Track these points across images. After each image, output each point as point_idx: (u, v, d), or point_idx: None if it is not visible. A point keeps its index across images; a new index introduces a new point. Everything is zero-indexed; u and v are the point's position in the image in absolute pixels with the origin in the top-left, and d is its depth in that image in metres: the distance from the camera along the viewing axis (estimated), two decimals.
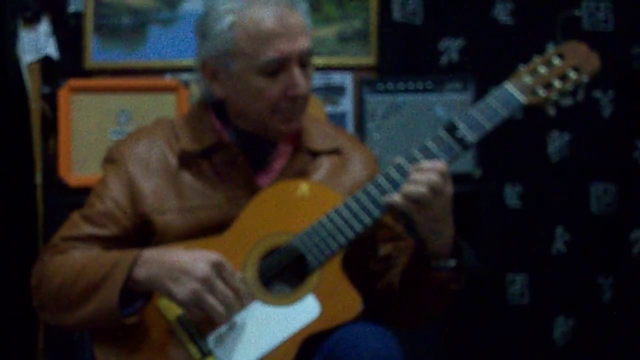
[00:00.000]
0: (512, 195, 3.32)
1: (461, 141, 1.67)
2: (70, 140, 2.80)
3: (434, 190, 1.60)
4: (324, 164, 1.83)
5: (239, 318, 1.65)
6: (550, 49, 1.73)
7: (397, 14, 3.27)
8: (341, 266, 1.67)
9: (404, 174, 1.65)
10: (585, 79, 1.70)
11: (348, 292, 1.66)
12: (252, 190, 1.76)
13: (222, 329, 1.65)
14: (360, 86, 3.10)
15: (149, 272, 1.63)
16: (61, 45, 3.06)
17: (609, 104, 3.33)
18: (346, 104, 3.29)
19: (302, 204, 1.72)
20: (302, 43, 1.73)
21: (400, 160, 1.67)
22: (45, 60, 3.01)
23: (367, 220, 1.67)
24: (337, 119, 3.26)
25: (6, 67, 2.93)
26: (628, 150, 3.34)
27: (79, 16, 3.18)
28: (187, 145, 1.79)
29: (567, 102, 1.71)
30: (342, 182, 1.81)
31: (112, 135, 2.81)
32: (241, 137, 1.80)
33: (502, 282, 3.32)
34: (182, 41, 3.19)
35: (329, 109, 3.25)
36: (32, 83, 2.97)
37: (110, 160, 1.83)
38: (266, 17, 1.71)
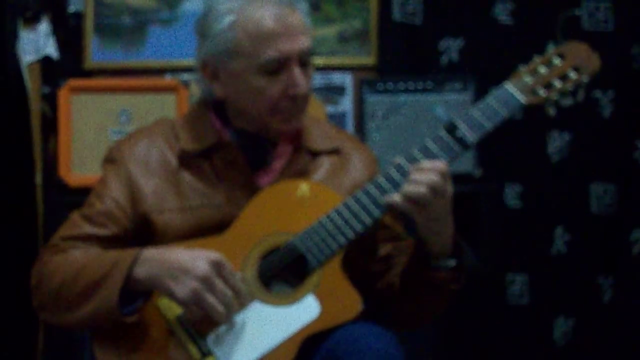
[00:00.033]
0: (512, 195, 3.33)
1: (461, 141, 1.67)
2: (70, 140, 2.80)
3: (434, 190, 1.60)
4: (324, 164, 1.83)
5: (238, 318, 1.65)
6: (551, 49, 1.73)
7: (397, 14, 3.27)
8: (341, 266, 1.67)
9: (404, 174, 1.65)
10: (585, 79, 1.70)
11: (348, 292, 1.66)
12: (252, 190, 1.76)
13: (222, 328, 1.65)
14: (360, 86, 3.10)
15: (148, 271, 1.63)
16: (61, 45, 3.06)
17: (609, 104, 3.33)
18: (346, 104, 3.29)
19: (302, 203, 1.72)
20: (303, 42, 1.73)
21: (400, 160, 1.67)
22: (45, 60, 3.01)
23: (367, 220, 1.67)
24: (337, 119, 3.26)
25: (6, 67, 2.93)
26: (628, 150, 3.34)
27: (79, 16, 3.19)
28: (187, 145, 1.79)
29: (568, 102, 1.71)
30: (342, 182, 1.81)
31: (112, 135, 2.81)
32: (241, 137, 1.80)
33: (502, 282, 3.32)
34: (182, 41, 3.19)
35: (329, 109, 3.25)
36: (32, 83, 2.97)
37: (111, 160, 1.83)
38: (266, 16, 1.71)
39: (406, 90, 3.03)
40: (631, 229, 3.34)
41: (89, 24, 3.21)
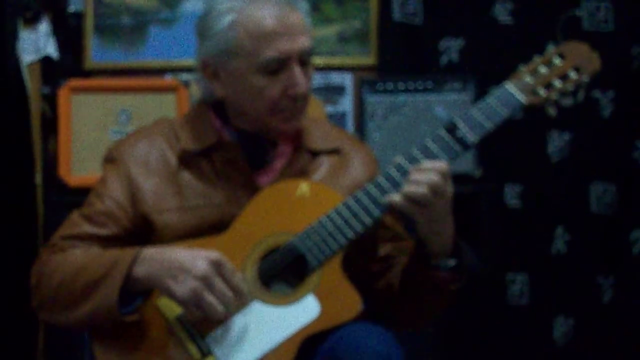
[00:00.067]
0: (512, 195, 3.33)
1: (461, 141, 1.67)
2: (70, 140, 2.80)
3: (435, 190, 1.60)
4: (324, 164, 1.83)
5: (238, 318, 1.65)
6: (551, 48, 1.73)
7: (397, 14, 3.27)
8: (341, 266, 1.67)
9: (405, 173, 1.65)
10: (585, 79, 1.70)
11: (348, 292, 1.66)
12: (252, 189, 1.76)
13: (222, 328, 1.65)
14: (360, 86, 3.10)
15: (148, 270, 1.63)
16: (61, 45, 3.06)
17: (609, 104, 3.33)
18: (346, 104, 3.30)
19: (302, 203, 1.72)
20: (303, 42, 1.73)
21: (400, 160, 1.67)
22: (45, 60, 3.01)
23: (368, 220, 1.67)
24: (337, 119, 3.26)
25: (6, 67, 2.93)
26: (628, 150, 3.34)
27: (79, 16, 3.19)
28: (187, 144, 1.79)
29: (568, 102, 1.71)
30: (342, 182, 1.81)
31: (112, 135, 2.81)
32: (241, 136, 1.80)
33: (502, 282, 3.32)
34: (182, 41, 3.19)
35: (329, 109, 3.25)
36: (32, 83, 2.97)
37: (110, 159, 1.83)
38: (267, 16, 1.71)
39: (406, 90, 3.03)
40: (631, 229, 3.34)
41: (89, 24, 3.21)
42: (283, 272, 1.70)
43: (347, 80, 3.30)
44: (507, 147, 3.17)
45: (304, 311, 1.64)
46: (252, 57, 1.72)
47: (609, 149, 3.32)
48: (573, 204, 3.33)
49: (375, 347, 1.57)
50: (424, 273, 1.69)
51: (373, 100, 3.04)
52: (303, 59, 1.74)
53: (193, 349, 1.64)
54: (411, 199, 1.61)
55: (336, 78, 3.29)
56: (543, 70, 1.71)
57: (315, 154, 1.83)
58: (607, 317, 3.32)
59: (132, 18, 3.23)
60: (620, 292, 3.33)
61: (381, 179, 1.67)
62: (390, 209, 1.66)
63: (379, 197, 1.66)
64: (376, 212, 1.67)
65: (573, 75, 1.71)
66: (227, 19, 1.73)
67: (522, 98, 1.69)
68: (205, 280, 1.59)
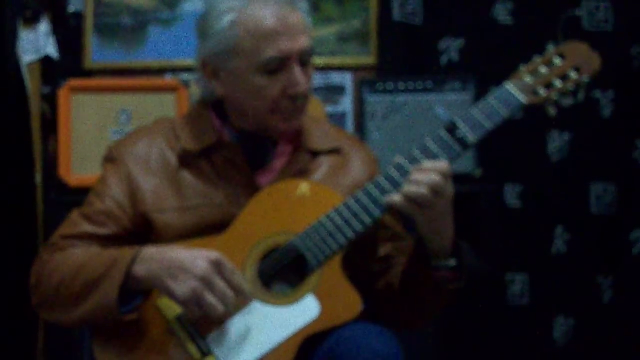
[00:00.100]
0: (512, 195, 3.33)
1: (461, 141, 1.67)
2: (70, 140, 2.80)
3: (435, 190, 1.60)
4: (324, 164, 1.83)
5: (239, 318, 1.65)
6: (551, 48, 1.73)
7: (397, 14, 3.27)
8: (341, 266, 1.67)
9: (405, 174, 1.65)
10: (586, 79, 1.70)
11: (348, 292, 1.66)
12: (252, 189, 1.76)
13: (222, 328, 1.65)
14: (360, 86, 3.10)
15: (148, 269, 1.63)
16: (61, 45, 3.06)
17: (609, 104, 3.33)
18: (346, 104, 3.30)
19: (302, 203, 1.72)
20: (303, 42, 1.73)
21: (400, 160, 1.67)
22: (45, 60, 3.01)
23: (368, 220, 1.67)
24: (337, 119, 3.26)
25: (6, 67, 2.93)
26: (628, 150, 3.34)
27: (79, 16, 3.19)
28: (187, 144, 1.79)
29: (568, 102, 1.71)
30: (342, 182, 1.81)
31: (112, 135, 2.81)
32: (241, 136, 1.80)
33: (502, 282, 3.32)
34: (182, 41, 3.19)
35: (329, 109, 3.25)
36: (32, 83, 2.97)
37: (110, 159, 1.83)
38: (267, 15, 1.71)
39: (406, 90, 3.03)
40: (631, 229, 3.34)
41: (89, 24, 3.21)
42: (283, 272, 1.70)
43: (347, 80, 3.30)
44: (507, 147, 3.17)
45: (304, 311, 1.64)
46: (252, 57, 1.72)
47: (609, 149, 3.32)
48: (573, 204, 3.33)
49: (375, 347, 1.57)
50: (424, 273, 1.69)
51: (373, 100, 3.04)
52: (303, 59, 1.74)
53: (193, 349, 1.64)
54: (411, 199, 1.61)
55: (336, 78, 3.29)
56: (543, 70, 1.71)
57: (315, 154, 1.83)
58: (607, 317, 3.32)
59: (132, 18, 3.23)
60: (620, 292, 3.33)
61: (381, 179, 1.67)
62: (391, 209, 1.66)
63: (379, 197, 1.66)
64: (376, 212, 1.67)
65: (573, 75, 1.71)
66: (228, 19, 1.73)
67: (522, 98, 1.69)
68: (205, 280, 1.59)
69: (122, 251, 1.67)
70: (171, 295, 1.62)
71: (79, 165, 2.80)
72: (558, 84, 1.70)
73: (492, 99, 1.69)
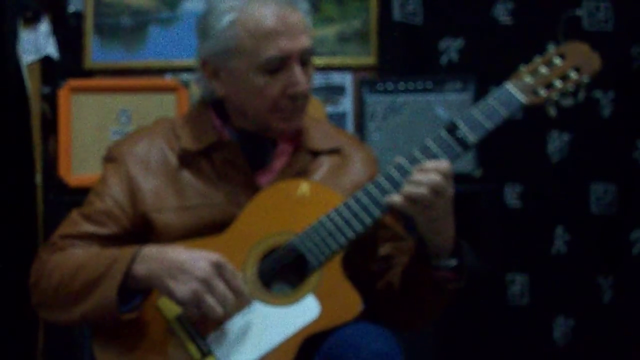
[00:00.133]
0: (512, 195, 3.33)
1: (462, 141, 1.67)
2: (70, 140, 2.80)
3: (436, 190, 1.60)
4: (324, 164, 1.83)
5: (239, 318, 1.65)
6: (551, 49, 1.73)
7: (397, 14, 3.27)
8: (341, 266, 1.67)
9: (405, 173, 1.65)
10: (586, 79, 1.70)
11: (348, 292, 1.66)
12: (252, 189, 1.75)
13: (222, 328, 1.65)
14: (360, 86, 3.10)
15: (148, 269, 1.63)
16: (61, 45, 3.06)
17: (609, 104, 3.33)
18: (346, 104, 3.30)
19: (302, 203, 1.72)
20: (303, 41, 1.73)
21: (400, 160, 1.67)
22: (45, 60, 3.01)
23: (368, 220, 1.67)
24: (337, 119, 3.26)
25: (6, 67, 2.93)
26: (628, 150, 3.34)
27: (79, 16, 3.19)
28: (187, 144, 1.79)
29: (568, 102, 1.71)
30: (342, 182, 1.81)
31: (112, 135, 2.81)
32: (241, 136, 1.80)
33: (502, 282, 3.32)
34: (182, 41, 3.19)
35: (329, 109, 3.25)
36: (32, 83, 2.97)
37: (110, 159, 1.83)
38: (267, 15, 1.71)
39: (406, 90, 3.03)
40: (631, 229, 3.34)
41: (89, 24, 3.21)
42: (283, 272, 1.70)
43: (347, 80, 3.30)
44: (507, 147, 3.17)
45: (304, 311, 1.64)
46: (253, 56, 1.72)
47: (609, 149, 3.32)
48: (573, 204, 3.33)
49: (375, 347, 1.57)
50: (425, 273, 1.69)
51: (373, 100, 3.04)
52: (303, 59, 1.74)
53: (193, 349, 1.64)
54: (412, 199, 1.61)
55: (336, 78, 3.29)
56: (543, 70, 1.71)
57: (315, 154, 1.83)
58: (607, 317, 3.32)
59: (132, 18, 3.23)
60: (620, 292, 3.33)
61: (381, 179, 1.67)
62: (391, 209, 1.66)
63: (379, 197, 1.66)
64: (376, 212, 1.67)
65: (573, 75, 1.71)
66: (228, 18, 1.73)
67: (522, 98, 1.69)
68: (206, 282, 1.59)
69: (122, 250, 1.67)
70: (171, 295, 1.62)
71: (79, 165, 2.80)
72: (558, 84, 1.70)
73: (492, 99, 1.69)
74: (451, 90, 3.02)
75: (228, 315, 1.63)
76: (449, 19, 3.28)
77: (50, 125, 2.97)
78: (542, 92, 1.70)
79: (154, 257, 1.64)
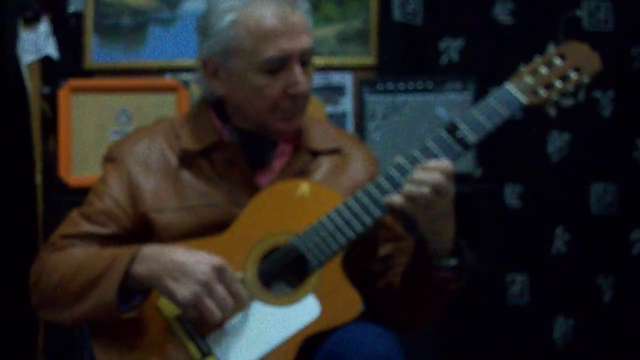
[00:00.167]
0: (512, 195, 3.33)
1: (462, 141, 1.67)
2: (70, 140, 2.80)
3: (437, 190, 1.60)
4: (325, 164, 1.83)
5: (239, 318, 1.65)
6: (551, 49, 1.73)
7: (397, 14, 3.27)
8: (341, 266, 1.67)
9: (405, 173, 1.65)
10: (586, 79, 1.70)
11: (348, 292, 1.66)
12: (252, 189, 1.75)
13: (222, 328, 1.65)
14: (360, 86, 3.10)
15: (148, 269, 1.63)
16: (61, 45, 3.06)
17: (609, 104, 3.33)
18: (346, 104, 3.30)
19: (302, 203, 1.72)
20: (304, 41, 1.73)
21: (400, 160, 1.67)
22: (45, 60, 3.01)
23: (368, 220, 1.67)
24: (337, 119, 3.26)
25: (6, 67, 2.93)
26: (628, 150, 3.34)
27: (79, 16, 3.19)
28: (187, 144, 1.79)
29: (568, 102, 1.71)
30: (342, 182, 1.81)
31: (112, 135, 2.81)
32: (241, 136, 1.80)
33: (502, 282, 3.32)
34: (182, 41, 3.19)
35: (329, 109, 3.25)
36: (32, 83, 2.97)
37: (110, 159, 1.83)
38: (268, 15, 1.71)
39: (406, 90, 3.03)
40: (631, 229, 3.34)
41: (89, 24, 3.21)
42: (283, 272, 1.70)
43: (347, 80, 3.30)
44: (507, 147, 3.17)
45: (304, 311, 1.64)
46: (253, 56, 1.72)
47: (609, 149, 3.32)
48: (573, 204, 3.33)
49: (375, 347, 1.57)
50: (425, 273, 1.69)
51: (373, 100, 3.04)
52: (304, 59, 1.74)
53: (193, 349, 1.64)
54: (413, 199, 1.61)
55: (336, 78, 3.29)
56: (543, 70, 1.71)
57: (315, 154, 1.83)
58: (607, 317, 3.32)
59: (132, 18, 3.23)
60: (620, 292, 3.33)
61: (381, 179, 1.67)
62: (392, 209, 1.66)
63: (379, 197, 1.66)
64: (376, 212, 1.67)
65: (573, 75, 1.71)
66: (228, 18, 1.72)
67: (522, 98, 1.69)
68: (207, 286, 1.59)
69: (122, 250, 1.67)
70: (170, 296, 1.62)
71: (79, 165, 2.80)
72: (558, 84, 1.70)
73: (492, 99, 1.69)
74: (451, 90, 3.02)
75: (226, 318, 1.63)
76: (449, 19, 3.28)
77: (50, 125, 2.97)
78: (542, 92, 1.70)
79: (154, 257, 1.64)
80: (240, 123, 1.80)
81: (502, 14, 3.30)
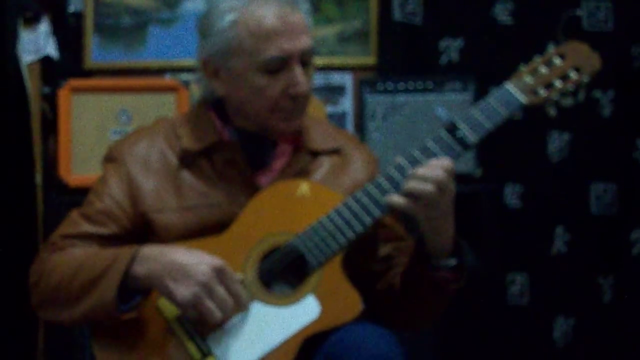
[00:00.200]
0: (512, 195, 3.32)
1: (462, 141, 1.67)
2: (70, 140, 2.80)
3: (440, 187, 1.60)
4: (325, 164, 1.83)
5: (239, 318, 1.65)
6: (551, 48, 1.73)
7: (397, 14, 3.27)
8: (341, 266, 1.67)
9: (405, 174, 1.65)
10: (586, 79, 1.70)
11: (348, 292, 1.66)
12: (252, 189, 1.75)
13: (222, 329, 1.65)
14: (360, 86, 3.10)
15: (148, 269, 1.63)
16: (61, 45, 3.06)
17: (609, 104, 3.33)
18: (346, 104, 3.30)
19: (302, 203, 1.72)
20: (304, 42, 1.73)
21: (400, 160, 1.67)
22: (45, 60, 3.01)
23: (368, 220, 1.67)
24: (337, 119, 3.26)
25: (6, 67, 2.93)
26: (628, 150, 3.34)
27: (79, 16, 3.19)
28: (187, 144, 1.79)
29: (568, 102, 1.71)
30: (342, 182, 1.81)
31: (112, 135, 2.81)
32: (242, 136, 1.80)
33: (502, 282, 3.32)
34: (182, 41, 3.19)
35: (329, 109, 3.25)
36: (32, 83, 2.97)
37: (110, 159, 1.83)
38: (268, 15, 1.71)
39: (406, 90, 3.03)
40: (631, 229, 3.34)
41: (89, 24, 3.21)
42: (283, 273, 1.70)
43: (347, 80, 3.30)
44: (507, 147, 3.17)
45: (304, 312, 1.64)
46: (253, 56, 1.72)
47: (609, 149, 3.32)
48: (573, 204, 3.33)
49: (375, 347, 1.57)
50: (425, 272, 1.69)
51: (373, 100, 3.04)
52: (304, 59, 1.74)
53: (193, 349, 1.64)
54: (417, 196, 1.61)
55: (336, 78, 3.29)
56: (543, 70, 1.71)
57: (315, 154, 1.83)
58: (607, 317, 3.32)
59: (132, 18, 3.23)
60: (620, 292, 3.33)
61: (381, 179, 1.67)
62: (392, 209, 1.66)
63: (379, 197, 1.66)
64: (376, 212, 1.67)
65: (573, 75, 1.71)
66: (229, 18, 1.72)
67: (522, 98, 1.69)
68: (206, 286, 1.59)
69: (121, 250, 1.67)
70: (170, 296, 1.62)
71: (79, 165, 2.80)
72: (558, 84, 1.70)
73: (492, 99, 1.69)
74: (451, 90, 3.02)
75: (226, 319, 1.63)
76: (449, 19, 3.28)
77: (50, 125, 2.97)
78: (542, 92, 1.70)
79: (154, 257, 1.64)
80: (241, 123, 1.80)
81: (502, 14, 3.30)
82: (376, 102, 3.04)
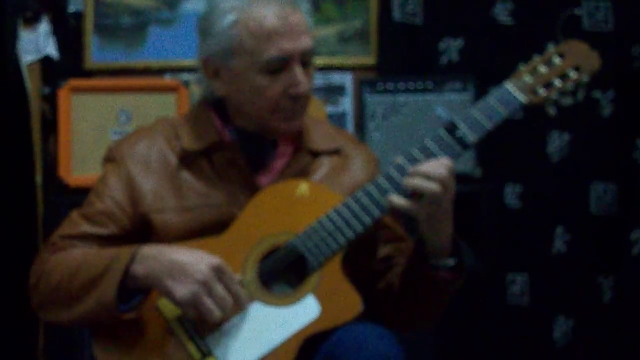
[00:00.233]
0: (512, 195, 3.32)
1: (461, 141, 1.67)
2: (70, 140, 2.80)
3: (444, 185, 1.60)
4: (325, 164, 1.83)
5: (239, 318, 1.65)
6: (551, 48, 1.73)
7: (397, 14, 3.27)
8: (341, 266, 1.67)
9: (404, 173, 1.65)
10: (585, 78, 1.70)
11: (348, 292, 1.66)
12: (252, 190, 1.75)
13: (222, 329, 1.65)
14: (360, 86, 3.10)
15: (148, 268, 1.63)
16: (61, 45, 3.06)
17: (609, 104, 3.33)
18: (346, 104, 3.29)
19: (302, 204, 1.72)
20: (304, 42, 1.73)
21: (400, 160, 1.67)
22: (45, 60, 3.01)
23: (367, 220, 1.67)
24: (337, 119, 3.26)
25: (6, 67, 2.93)
26: (628, 150, 3.34)
27: (79, 16, 3.19)
28: (187, 144, 1.79)
29: (568, 101, 1.71)
30: (343, 182, 1.81)
31: (112, 135, 2.81)
32: (242, 136, 1.80)
33: (502, 282, 3.32)
34: (182, 41, 3.19)
35: (329, 109, 3.25)
36: (32, 83, 2.97)
37: (110, 159, 1.83)
38: (269, 15, 1.71)
39: (406, 90, 3.03)
40: (631, 229, 3.34)
41: (89, 24, 3.21)
42: (283, 273, 1.70)
43: (347, 80, 3.30)
44: (507, 147, 3.17)
45: (304, 312, 1.64)
46: (254, 56, 1.72)
47: (609, 149, 3.32)
48: (573, 204, 3.33)
49: (375, 347, 1.57)
50: (424, 273, 1.69)
51: (373, 100, 3.04)
52: (304, 59, 1.74)
53: (193, 349, 1.64)
54: (420, 193, 1.61)
55: (336, 78, 3.29)
56: (543, 69, 1.71)
57: (315, 154, 1.83)
58: (607, 317, 3.32)
59: (132, 18, 3.23)
60: (620, 292, 3.33)
61: (381, 179, 1.67)
62: (392, 209, 1.66)
63: (379, 197, 1.66)
64: (376, 212, 1.67)
65: (573, 74, 1.71)
66: (229, 18, 1.72)
67: (522, 98, 1.69)
68: (206, 285, 1.59)
69: (121, 250, 1.67)
70: (169, 295, 1.62)
71: (79, 165, 2.80)
72: (557, 83, 1.70)
73: (492, 99, 1.69)
74: (451, 90, 3.02)
75: (225, 318, 1.63)
76: (449, 19, 3.28)
77: (50, 125, 2.97)
78: (542, 91, 1.70)
79: (153, 256, 1.64)
80: (241, 123, 1.80)
81: (502, 14, 3.30)
82: (376, 102, 3.04)
